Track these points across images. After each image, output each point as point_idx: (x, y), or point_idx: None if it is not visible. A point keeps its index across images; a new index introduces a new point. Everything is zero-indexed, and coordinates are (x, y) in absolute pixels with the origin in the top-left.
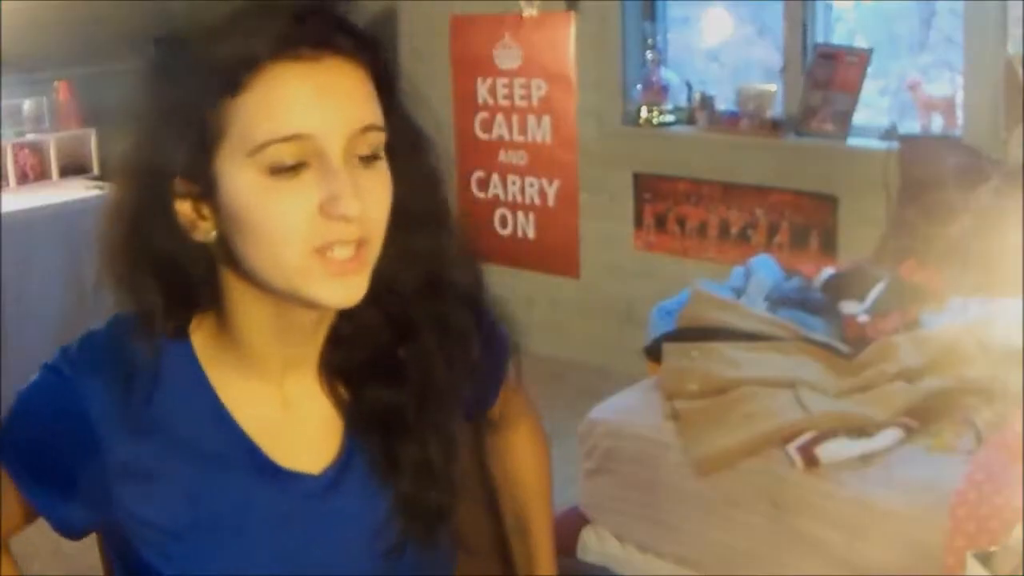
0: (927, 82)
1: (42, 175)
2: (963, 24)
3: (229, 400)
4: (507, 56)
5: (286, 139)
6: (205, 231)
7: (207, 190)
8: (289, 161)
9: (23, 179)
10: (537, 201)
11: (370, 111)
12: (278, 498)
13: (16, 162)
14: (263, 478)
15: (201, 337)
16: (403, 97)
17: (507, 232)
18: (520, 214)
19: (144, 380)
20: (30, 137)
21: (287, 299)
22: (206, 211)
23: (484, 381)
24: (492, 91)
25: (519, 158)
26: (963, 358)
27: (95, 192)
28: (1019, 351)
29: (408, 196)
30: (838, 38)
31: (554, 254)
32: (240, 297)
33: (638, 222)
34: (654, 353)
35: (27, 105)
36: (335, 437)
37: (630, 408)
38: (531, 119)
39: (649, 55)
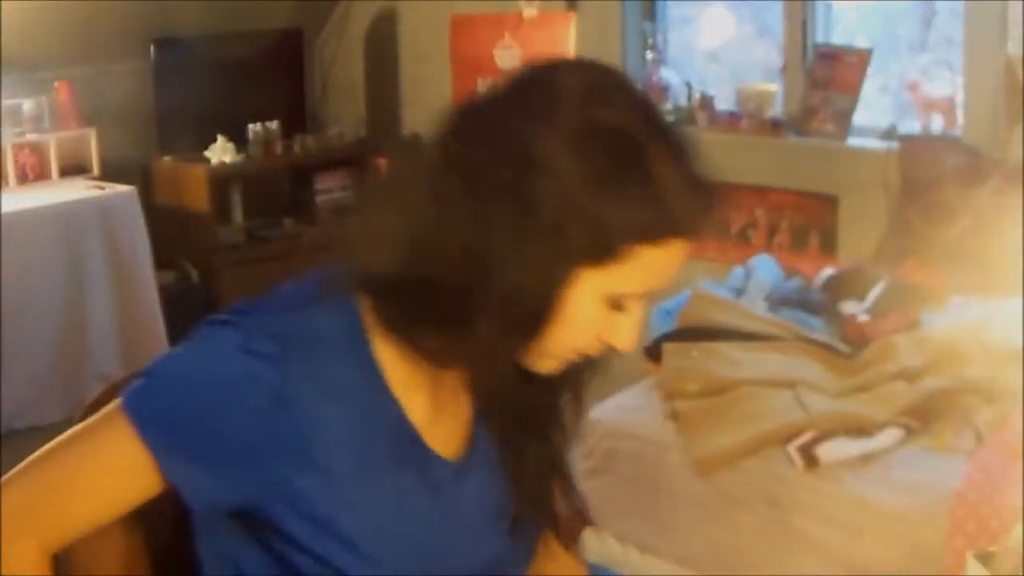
0: (927, 82)
1: (42, 175)
2: (963, 24)
3: (392, 381)
4: (507, 56)
5: (644, 294)
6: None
7: (555, 282)
8: (626, 304)
9: (23, 179)
10: None
11: None
12: (426, 483)
13: (16, 162)
14: (418, 462)
15: (372, 318)
16: None
17: None
18: None
19: (330, 353)
20: (30, 137)
21: None
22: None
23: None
24: None
25: None
26: (963, 358)
27: (95, 192)
28: (1019, 351)
29: None
30: (838, 38)
31: None
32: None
33: None
34: (654, 353)
35: (27, 105)
36: (463, 427)
37: (630, 408)
38: None
39: (649, 55)
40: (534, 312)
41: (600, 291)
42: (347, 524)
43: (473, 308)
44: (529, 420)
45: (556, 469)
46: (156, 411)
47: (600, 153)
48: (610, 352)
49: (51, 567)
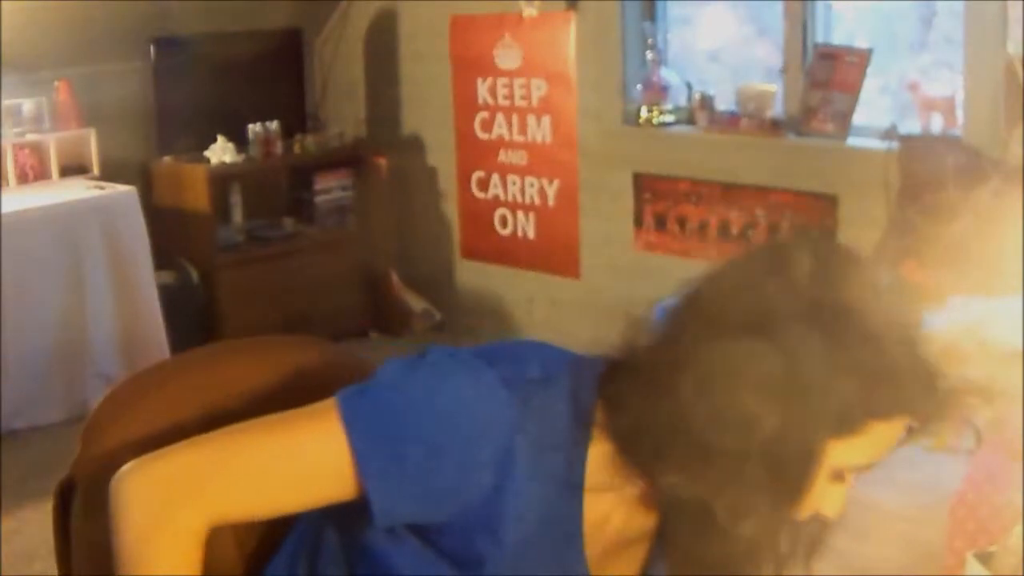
0: (927, 82)
1: (42, 175)
2: (963, 24)
3: (590, 482)
4: (507, 56)
5: (867, 467)
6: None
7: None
8: (844, 474)
9: (23, 179)
10: (537, 201)
11: None
12: None
13: (16, 162)
14: (569, 571)
15: (602, 417)
16: None
17: (507, 232)
18: (520, 214)
19: (559, 434)
20: (30, 137)
21: None
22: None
23: None
24: (492, 91)
25: (519, 158)
26: (963, 358)
27: (95, 192)
28: (1019, 351)
29: None
30: (838, 38)
31: (554, 254)
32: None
33: (638, 222)
34: None
35: (27, 105)
36: (637, 559)
37: None
38: (531, 119)
39: (649, 55)
40: (797, 481)
41: (836, 463)
42: None
43: (737, 464)
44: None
45: None
46: (372, 419)
47: (840, 331)
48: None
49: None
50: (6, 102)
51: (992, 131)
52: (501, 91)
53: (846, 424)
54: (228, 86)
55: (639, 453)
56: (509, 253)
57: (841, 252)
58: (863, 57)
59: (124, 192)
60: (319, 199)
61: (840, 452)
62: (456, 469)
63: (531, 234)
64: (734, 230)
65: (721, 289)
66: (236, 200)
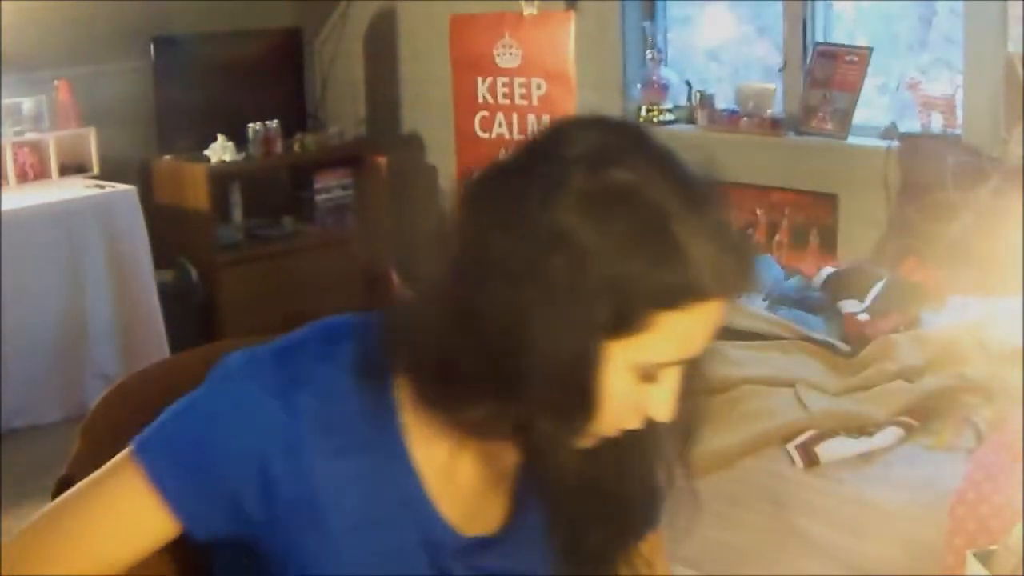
0: (927, 81)
1: (42, 174)
2: (963, 24)
3: (413, 442)
4: (507, 55)
5: (675, 363)
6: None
7: (586, 359)
8: (658, 374)
9: (23, 178)
10: None
11: None
12: (428, 549)
13: (16, 161)
14: (422, 525)
15: (404, 382)
16: None
17: None
18: None
19: (350, 405)
20: (30, 136)
21: None
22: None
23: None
24: (492, 90)
25: None
26: (963, 357)
27: (95, 191)
28: (1019, 350)
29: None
30: (838, 37)
31: None
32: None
33: None
34: None
35: (27, 104)
36: (500, 504)
37: None
38: (531, 118)
39: (649, 54)
40: (579, 392)
41: (630, 363)
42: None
43: (521, 386)
44: (586, 503)
45: (619, 557)
46: (163, 449)
47: (615, 218)
48: (649, 423)
49: None
50: (6, 101)
51: (992, 131)
52: (501, 90)
53: (624, 320)
54: (228, 86)
55: (437, 396)
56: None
57: (622, 130)
58: (863, 56)
59: (124, 191)
60: (319, 198)
61: (632, 351)
62: (241, 473)
63: None
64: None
65: (484, 189)
66: (236, 199)
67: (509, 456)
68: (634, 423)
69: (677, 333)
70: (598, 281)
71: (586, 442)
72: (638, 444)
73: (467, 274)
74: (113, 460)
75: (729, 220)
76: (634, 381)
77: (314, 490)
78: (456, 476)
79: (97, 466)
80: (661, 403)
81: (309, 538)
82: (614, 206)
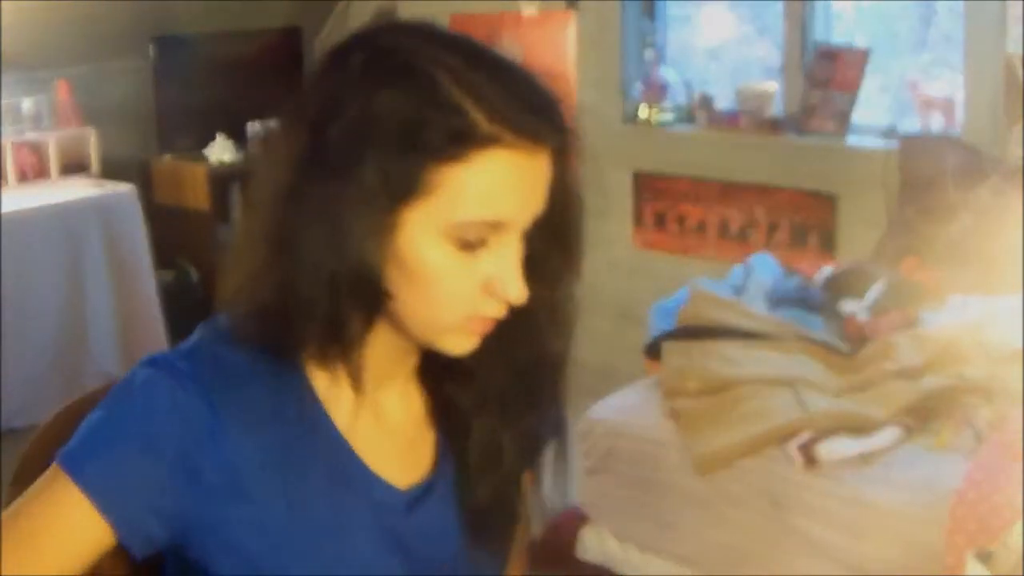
0: (927, 81)
1: (42, 174)
2: (963, 23)
3: (328, 404)
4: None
5: (485, 223)
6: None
7: (385, 233)
8: (476, 240)
9: (23, 178)
10: None
11: (547, 196)
12: (371, 508)
13: (16, 161)
14: (358, 486)
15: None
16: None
17: None
18: None
19: (256, 379)
20: (30, 136)
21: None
22: (376, 241)
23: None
24: None
25: None
26: (963, 357)
27: (95, 191)
28: (1019, 351)
29: (541, 246)
30: (838, 37)
31: None
32: (363, 317)
33: (637, 221)
34: (654, 352)
35: (27, 104)
36: (427, 452)
37: (630, 407)
38: None
39: (649, 54)
40: (367, 275)
41: (437, 229)
42: (279, 557)
43: (341, 274)
44: (462, 427)
45: (500, 493)
46: (87, 454)
47: (384, 82)
48: (506, 304)
49: None
50: (6, 101)
51: (992, 131)
52: None
53: (407, 181)
54: (228, 85)
55: (289, 334)
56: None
57: (406, 21)
58: (862, 56)
59: (124, 191)
60: None
61: (431, 215)
62: (163, 464)
63: None
64: (733, 229)
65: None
66: (236, 199)
67: (416, 391)
68: (491, 308)
69: (470, 188)
70: (375, 144)
71: (458, 341)
72: (522, 337)
73: (276, 201)
74: (41, 477)
75: (519, 73)
76: (456, 253)
77: (238, 471)
78: (380, 429)
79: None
80: (505, 278)
81: (243, 515)
82: (384, 72)
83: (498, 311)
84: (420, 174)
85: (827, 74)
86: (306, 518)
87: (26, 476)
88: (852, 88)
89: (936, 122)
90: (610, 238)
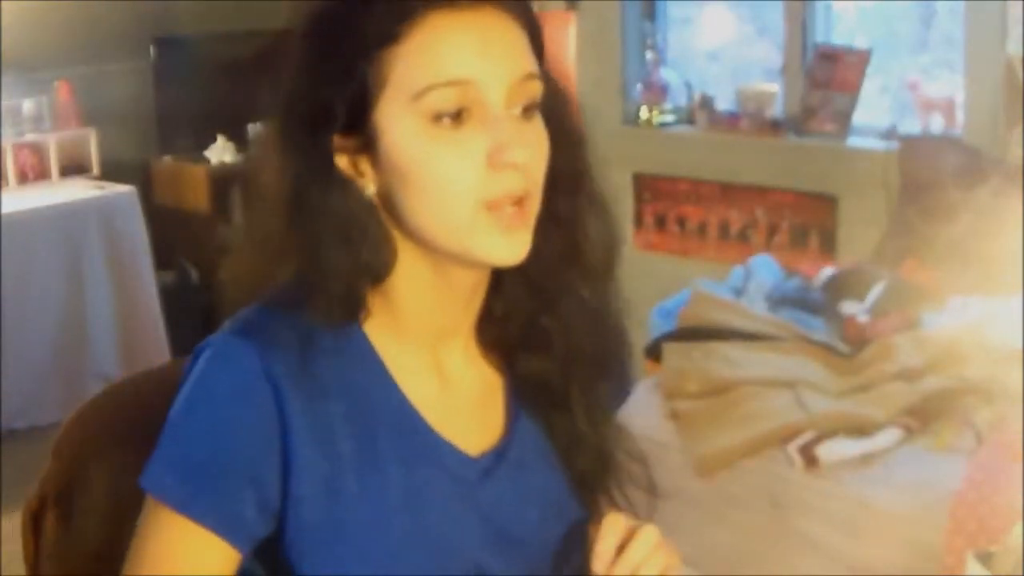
0: (927, 82)
1: (42, 175)
2: (963, 24)
3: (393, 370)
4: None
5: (448, 83)
6: (363, 187)
7: (367, 144)
8: (452, 108)
9: (23, 179)
10: None
11: (529, 61)
12: (442, 477)
13: (16, 162)
14: (428, 454)
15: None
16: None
17: None
18: None
19: (317, 348)
20: (30, 137)
21: (449, 259)
22: (365, 166)
23: (619, 369)
24: None
25: None
26: (963, 358)
27: (95, 192)
28: (1019, 351)
29: (554, 157)
30: (838, 38)
31: None
32: (403, 257)
33: (638, 222)
34: (654, 353)
35: (27, 105)
36: (496, 418)
37: (630, 408)
38: None
39: (649, 55)
40: (313, 171)
41: (405, 116)
42: (355, 525)
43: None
44: (547, 398)
45: (592, 457)
46: (176, 472)
47: (322, 14)
48: (514, 172)
49: None
50: (6, 102)
51: (992, 131)
52: None
53: (358, 86)
54: (228, 86)
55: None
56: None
57: None
58: (863, 57)
59: (124, 192)
60: None
61: (394, 105)
62: (242, 452)
63: None
64: (734, 230)
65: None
66: (236, 200)
67: (479, 352)
68: (504, 182)
69: (420, 58)
70: (323, 60)
71: (503, 243)
72: (586, 298)
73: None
74: (142, 515)
75: None
76: (439, 132)
77: (308, 438)
78: (447, 393)
79: (69, 484)
80: (501, 142)
81: (316, 488)
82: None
83: (512, 184)
84: (370, 68)
85: (828, 75)
86: (377, 489)
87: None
88: (852, 89)
89: (936, 123)
90: None
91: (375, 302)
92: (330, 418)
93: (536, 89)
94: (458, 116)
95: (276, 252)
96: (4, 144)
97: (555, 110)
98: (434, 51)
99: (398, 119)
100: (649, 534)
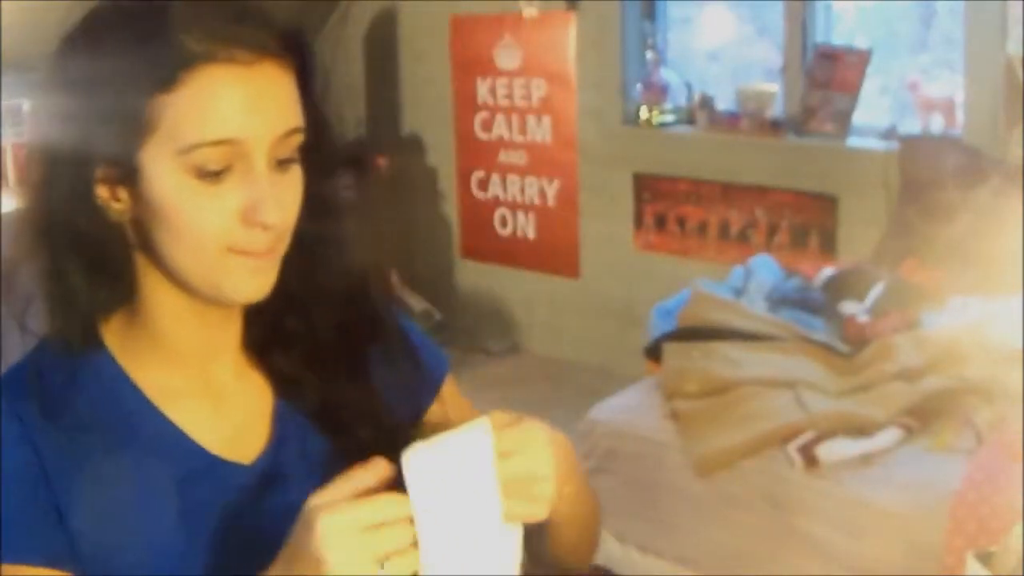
0: (927, 82)
1: None
2: (963, 24)
3: (153, 394)
4: (507, 56)
5: (215, 143)
6: (119, 212)
7: (128, 178)
8: (215, 166)
9: (23, 179)
10: (537, 201)
11: (295, 114)
12: (215, 489)
13: (16, 162)
14: (197, 469)
15: (114, 337)
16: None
17: (507, 232)
18: (520, 214)
19: (76, 382)
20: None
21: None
22: (123, 195)
23: (410, 379)
24: (492, 91)
25: (519, 158)
26: (963, 358)
27: None
28: (1019, 351)
29: (307, 184)
30: (838, 38)
31: (554, 254)
32: (155, 283)
33: (638, 222)
34: (654, 353)
35: (27, 105)
36: (266, 422)
37: (630, 408)
38: (531, 119)
39: (649, 55)
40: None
41: (167, 163)
42: (135, 552)
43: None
44: (296, 394)
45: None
46: None
47: (101, 41)
48: (264, 230)
49: None
50: (6, 102)
51: (992, 131)
52: (501, 91)
53: (126, 125)
54: None
55: (107, 289)
56: (509, 253)
57: None
58: (863, 57)
59: None
60: None
61: (164, 144)
62: (20, 497)
63: (531, 234)
64: (734, 230)
65: None
66: None
67: (248, 363)
68: (253, 239)
69: (189, 112)
70: (90, 96)
71: (243, 283)
72: (317, 280)
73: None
74: None
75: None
76: (198, 184)
77: (68, 476)
78: (216, 408)
79: None
80: (255, 201)
81: (85, 523)
82: (96, 32)
83: (260, 242)
84: (142, 109)
85: (827, 75)
86: (154, 513)
87: None
88: (852, 89)
89: (936, 123)
90: (611, 240)
91: (134, 330)
92: (94, 450)
93: (297, 141)
94: (219, 172)
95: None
96: (4, 144)
97: (315, 139)
98: (205, 107)
99: (161, 164)
100: (538, 430)
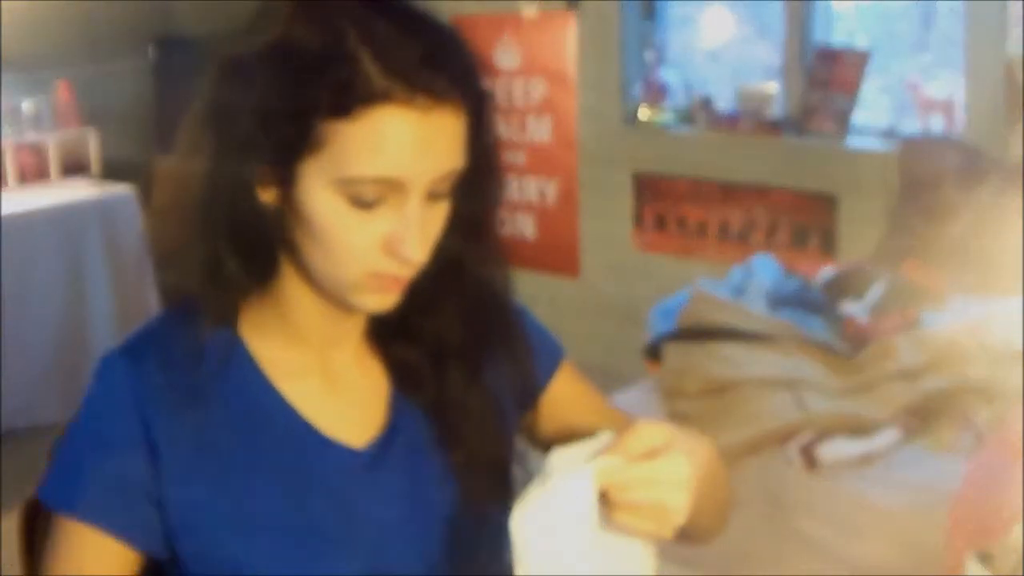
0: (927, 82)
1: (42, 176)
2: (963, 24)
3: (272, 371)
4: (507, 56)
5: (376, 181)
6: (273, 210)
7: (283, 181)
8: (370, 197)
9: (23, 180)
10: (537, 201)
11: (459, 156)
12: (324, 470)
13: (16, 162)
14: (308, 448)
15: (242, 314)
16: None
17: (506, 232)
18: (520, 214)
19: (199, 357)
20: (30, 137)
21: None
22: (278, 195)
23: (524, 365)
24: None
25: (519, 158)
26: (963, 358)
27: (95, 192)
28: (1019, 351)
29: (459, 201)
30: (838, 38)
31: (554, 254)
32: (291, 273)
33: (638, 222)
34: (654, 353)
35: (27, 105)
36: (380, 409)
37: (630, 408)
38: (531, 119)
39: (649, 55)
40: (256, 222)
41: (330, 182)
42: (243, 524)
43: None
44: (420, 385)
45: (475, 443)
46: (67, 487)
47: (293, 52)
48: (404, 263)
49: None
50: (6, 102)
51: (992, 131)
52: (500, 91)
53: (291, 138)
54: None
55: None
56: (508, 253)
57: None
58: (863, 57)
59: (124, 192)
60: None
61: (326, 169)
62: (124, 463)
63: (531, 234)
64: (734, 230)
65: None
66: None
67: (369, 351)
68: (392, 266)
69: (359, 145)
70: (268, 102)
71: (369, 298)
72: (457, 290)
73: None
74: (51, 532)
75: (431, 27)
76: (350, 209)
77: (181, 448)
78: (333, 391)
79: None
80: (402, 238)
81: (198, 510)
82: (293, 47)
83: (399, 270)
84: (314, 128)
85: (827, 75)
86: (263, 487)
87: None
88: (852, 89)
89: (936, 123)
90: (610, 240)
91: (263, 309)
92: (211, 424)
93: (454, 179)
94: (373, 202)
95: (179, 259)
96: (4, 144)
97: (475, 172)
98: (375, 144)
99: (319, 182)
100: (678, 464)
